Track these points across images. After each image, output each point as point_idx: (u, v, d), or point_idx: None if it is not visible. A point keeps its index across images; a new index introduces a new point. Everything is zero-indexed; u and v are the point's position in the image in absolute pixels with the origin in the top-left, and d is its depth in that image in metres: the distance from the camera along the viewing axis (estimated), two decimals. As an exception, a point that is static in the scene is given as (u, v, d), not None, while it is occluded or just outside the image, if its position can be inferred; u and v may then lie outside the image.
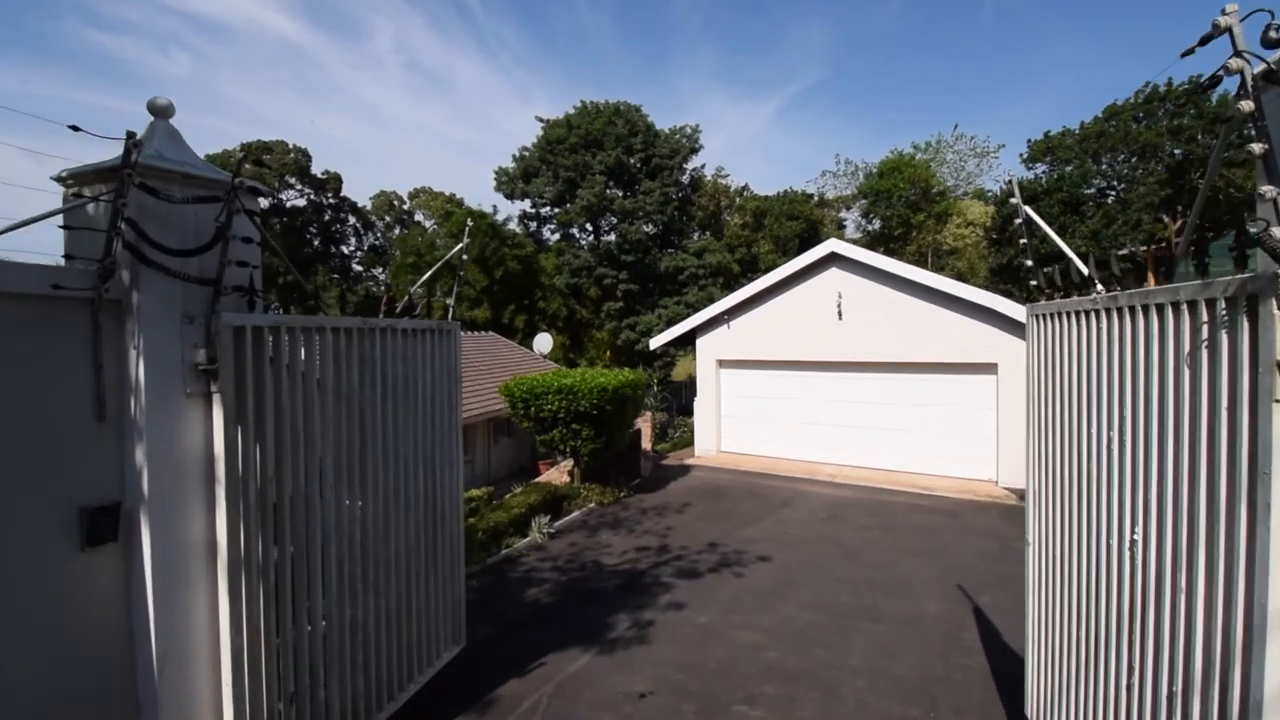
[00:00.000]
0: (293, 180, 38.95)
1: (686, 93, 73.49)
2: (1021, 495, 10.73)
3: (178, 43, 64.57)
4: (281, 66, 72.29)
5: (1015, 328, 10.79)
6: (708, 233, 33.16)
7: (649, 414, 14.94)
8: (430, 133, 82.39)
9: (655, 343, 15.30)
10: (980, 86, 62.67)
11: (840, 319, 12.50)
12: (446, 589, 4.11)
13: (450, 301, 4.34)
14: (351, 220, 46.00)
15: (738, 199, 35.54)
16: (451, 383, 4.11)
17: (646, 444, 14.01)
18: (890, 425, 12.29)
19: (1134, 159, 33.11)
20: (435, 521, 3.96)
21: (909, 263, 13.45)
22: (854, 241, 24.61)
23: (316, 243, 43.00)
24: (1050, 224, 26.61)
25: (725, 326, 13.99)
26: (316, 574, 3.05)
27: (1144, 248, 33.43)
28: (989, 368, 11.18)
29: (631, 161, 29.13)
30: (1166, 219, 34.21)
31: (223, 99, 67.57)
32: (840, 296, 12.50)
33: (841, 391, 12.84)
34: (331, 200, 42.53)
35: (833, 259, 12.65)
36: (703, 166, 34.01)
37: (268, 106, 72.09)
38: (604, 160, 27.96)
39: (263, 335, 2.78)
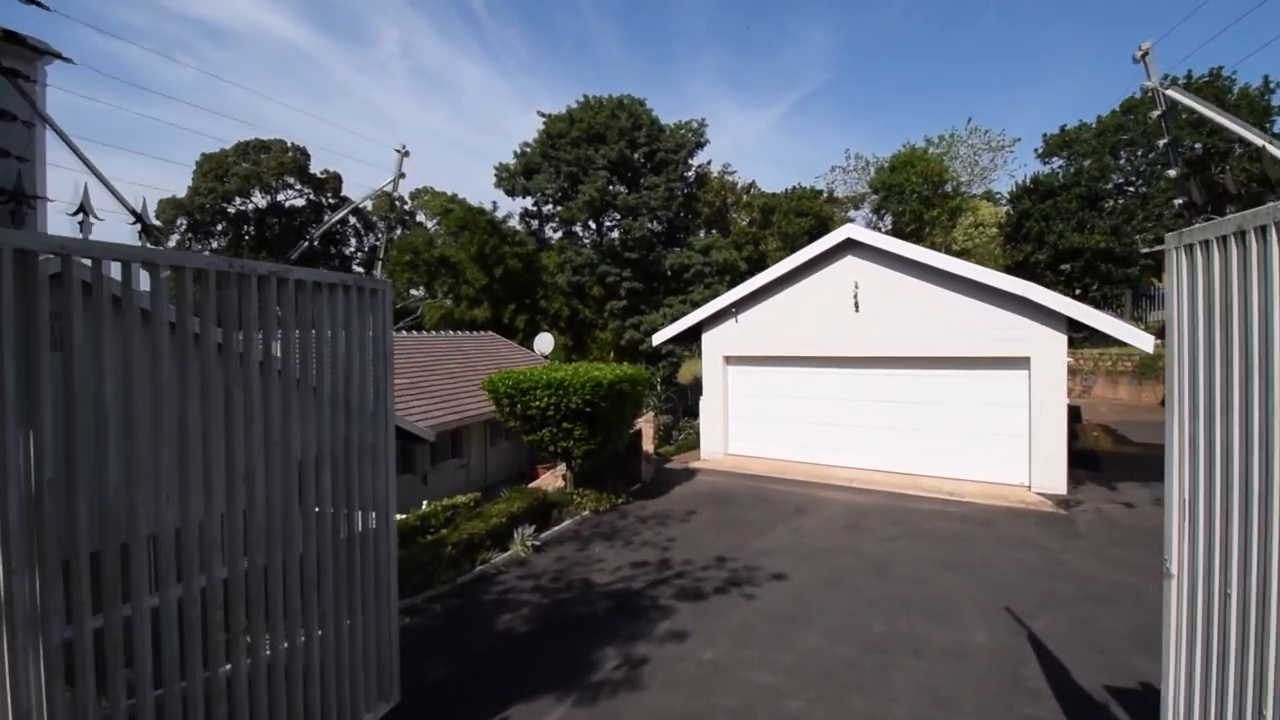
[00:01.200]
0: (291, 180, 38.31)
1: (691, 96, 72.83)
2: (1058, 501, 9.74)
3: (183, 48, 64.37)
4: (286, 71, 72.15)
5: (1049, 318, 9.81)
6: (714, 230, 32.22)
7: (651, 414, 13.98)
8: (435, 136, 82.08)
9: (658, 339, 14.33)
10: (988, 87, 61.55)
11: (857, 311, 11.50)
12: (370, 633, 3.13)
13: (380, 257, 3.39)
14: (352, 221, 45.33)
15: (744, 196, 34.60)
16: (379, 358, 3.15)
17: (649, 446, 13.02)
18: (912, 425, 11.28)
19: (1153, 153, 31.94)
20: (351, 545, 2.99)
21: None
22: (865, 237, 23.50)
23: (316, 243, 42.35)
24: (1067, 220, 25.49)
25: (733, 320, 13.01)
26: (144, 624, 2.10)
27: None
28: (1020, 362, 10.16)
29: (635, 156, 28.25)
30: (1188, 214, 32.91)
31: (227, 103, 67.44)
32: (857, 286, 11.51)
33: (858, 389, 11.84)
34: (332, 200, 41.89)
35: (848, 246, 11.66)
36: (709, 163, 33.13)
37: (272, 111, 71.97)
38: (607, 154, 27.08)
39: (30, 264, 1.85)
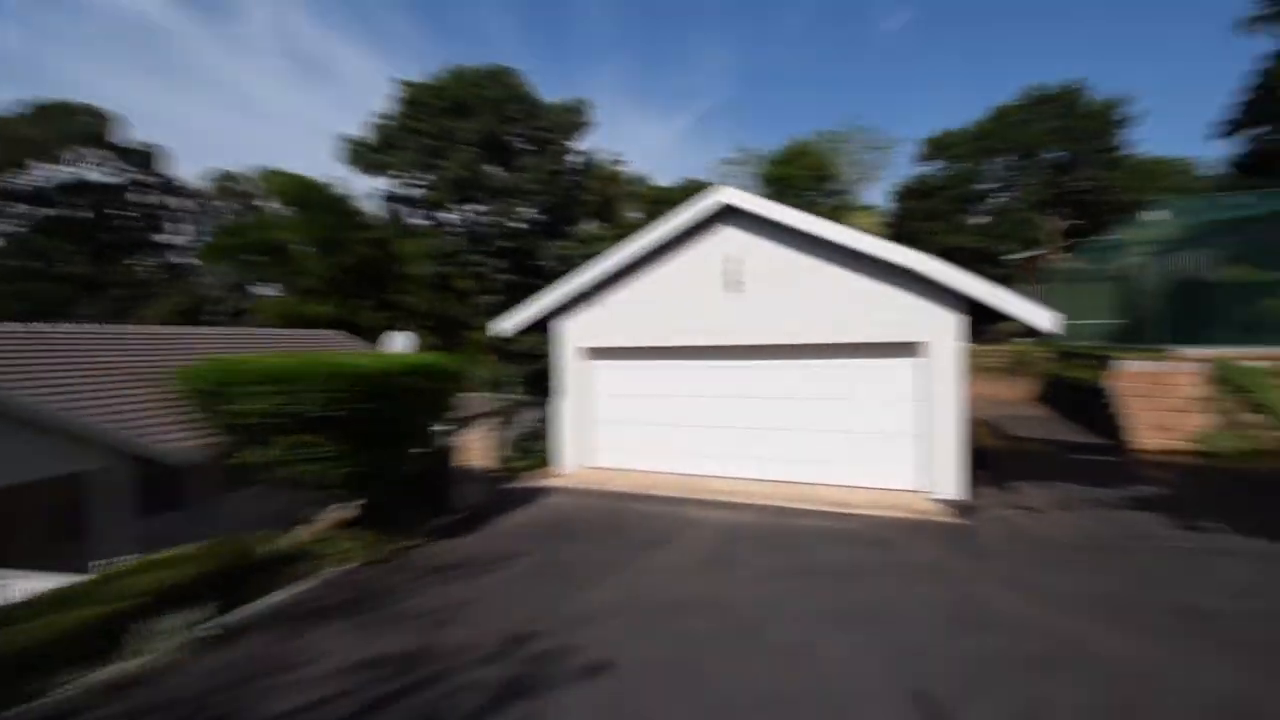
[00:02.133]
0: (87, 150, 31.41)
1: (596, 105, 71.43)
2: (956, 508, 8.22)
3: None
4: (139, 45, 62.15)
5: (948, 298, 8.33)
6: (600, 222, 29.99)
7: (498, 420, 11.31)
8: (312, 126, 74.62)
9: (502, 325, 11.59)
10: (881, 107, 64.84)
11: (739, 291, 9.55)
12: None
13: None
14: (185, 204, 38.60)
15: (634, 187, 32.71)
16: None
17: (485, 461, 10.35)
18: (798, 425, 9.48)
19: (1018, 159, 33.69)
20: None
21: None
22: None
23: (133, 229, 35.41)
24: (944, 220, 25.66)
25: (592, 306, 10.70)
26: None
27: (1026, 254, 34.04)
28: (914, 348, 8.63)
29: (509, 134, 25.35)
30: (1040, 218, 35.12)
31: (64, 77, 56.65)
32: (736, 263, 9.57)
33: (739, 385, 9.90)
34: (152, 179, 35.22)
35: (727, 214, 9.70)
36: (597, 153, 30.84)
37: (119, 88, 61.67)
38: (474, 127, 23.99)
39: None
